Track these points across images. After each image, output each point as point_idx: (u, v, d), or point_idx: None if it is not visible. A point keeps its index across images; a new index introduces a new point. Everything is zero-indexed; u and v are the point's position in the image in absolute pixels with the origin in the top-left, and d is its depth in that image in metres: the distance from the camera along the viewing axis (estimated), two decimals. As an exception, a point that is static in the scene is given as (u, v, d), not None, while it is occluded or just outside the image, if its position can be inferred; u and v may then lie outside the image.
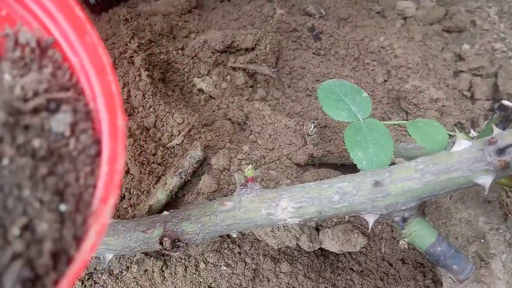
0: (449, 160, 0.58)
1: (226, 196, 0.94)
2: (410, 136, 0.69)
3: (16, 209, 0.32)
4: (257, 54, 1.08)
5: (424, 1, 1.36)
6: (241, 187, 0.71)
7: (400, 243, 0.66)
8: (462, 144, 0.58)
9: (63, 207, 0.35)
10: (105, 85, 0.39)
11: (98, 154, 0.39)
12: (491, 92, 1.18)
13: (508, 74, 1.19)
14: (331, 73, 1.13)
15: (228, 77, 1.10)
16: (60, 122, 0.37)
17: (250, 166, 0.72)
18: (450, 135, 0.71)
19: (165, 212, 0.78)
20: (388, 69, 1.14)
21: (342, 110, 0.76)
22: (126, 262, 0.89)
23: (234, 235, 0.73)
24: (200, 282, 0.85)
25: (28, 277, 0.31)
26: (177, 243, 0.73)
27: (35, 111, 0.37)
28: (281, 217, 0.67)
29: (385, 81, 1.13)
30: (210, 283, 0.85)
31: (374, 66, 1.15)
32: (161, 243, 0.73)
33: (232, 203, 0.70)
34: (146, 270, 0.88)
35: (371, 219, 0.63)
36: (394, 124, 0.96)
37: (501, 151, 0.53)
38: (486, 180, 0.55)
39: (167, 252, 0.74)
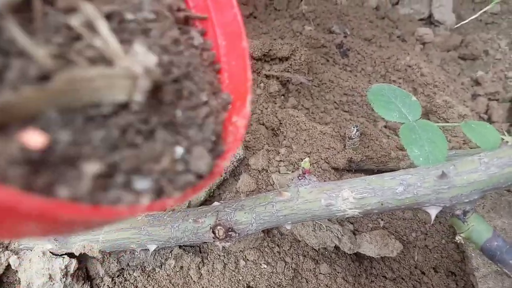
0: (513, 154, 0.61)
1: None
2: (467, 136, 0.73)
3: (200, 83, 0.40)
4: (291, 64, 1.12)
5: (440, 30, 1.44)
6: (299, 178, 0.72)
7: (457, 238, 0.68)
8: (525, 139, 0.61)
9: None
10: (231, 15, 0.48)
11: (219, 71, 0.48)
12: (506, 116, 1.24)
13: (521, 101, 1.26)
14: (359, 87, 1.17)
15: (262, 84, 1.12)
16: (197, 34, 0.46)
17: (307, 159, 0.73)
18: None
19: (216, 203, 0.78)
20: (414, 86, 1.19)
21: (393, 111, 0.79)
22: (161, 258, 0.87)
23: (288, 227, 0.73)
24: (239, 280, 0.84)
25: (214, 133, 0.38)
26: (230, 233, 0.73)
27: (181, 21, 0.44)
28: (341, 208, 0.68)
29: (412, 97, 1.18)
30: (249, 282, 0.84)
31: (400, 83, 1.19)
32: (213, 232, 0.73)
33: (289, 193, 0.71)
34: (181, 267, 0.86)
35: (433, 212, 0.65)
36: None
37: None
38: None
39: (217, 242, 0.73)
